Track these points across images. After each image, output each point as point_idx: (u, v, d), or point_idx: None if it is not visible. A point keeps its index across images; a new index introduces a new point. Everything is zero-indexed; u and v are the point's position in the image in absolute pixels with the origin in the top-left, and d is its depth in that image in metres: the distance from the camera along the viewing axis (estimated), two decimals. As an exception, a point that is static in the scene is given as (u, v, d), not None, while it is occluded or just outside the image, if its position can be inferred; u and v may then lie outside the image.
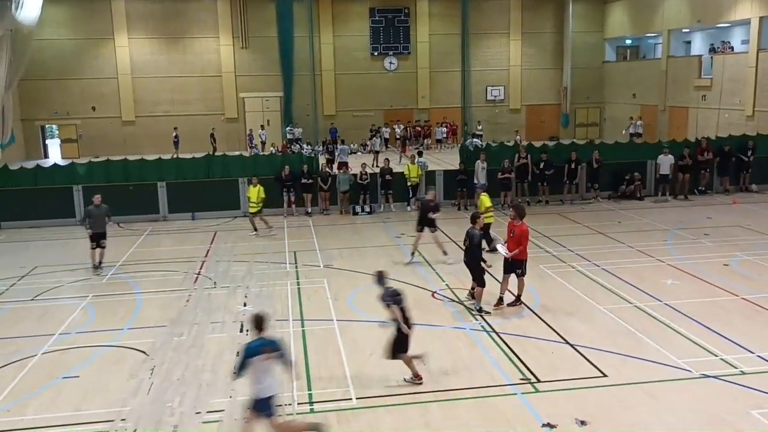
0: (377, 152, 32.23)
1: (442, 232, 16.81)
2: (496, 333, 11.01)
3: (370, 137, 38.06)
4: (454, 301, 12.72)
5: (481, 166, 21.45)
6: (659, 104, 36.56)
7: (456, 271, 14.43)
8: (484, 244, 12.93)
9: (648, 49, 41.44)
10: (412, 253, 15.61)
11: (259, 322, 7.29)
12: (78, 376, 9.77)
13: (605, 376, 9.37)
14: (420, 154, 25.20)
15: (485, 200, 15.87)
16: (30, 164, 24.75)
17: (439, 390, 9.04)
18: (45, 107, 38.46)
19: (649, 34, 39.30)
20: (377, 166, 27.77)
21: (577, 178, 22.39)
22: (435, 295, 13.14)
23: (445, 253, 15.34)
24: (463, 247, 12.32)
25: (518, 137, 35.05)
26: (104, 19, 38.27)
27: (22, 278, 14.96)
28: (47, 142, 40.92)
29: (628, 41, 42.42)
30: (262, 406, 7.22)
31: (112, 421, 8.36)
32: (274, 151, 34.55)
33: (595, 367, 9.61)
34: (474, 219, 12.13)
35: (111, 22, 38.34)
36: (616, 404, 8.57)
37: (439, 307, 12.49)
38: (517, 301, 12.21)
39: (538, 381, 9.24)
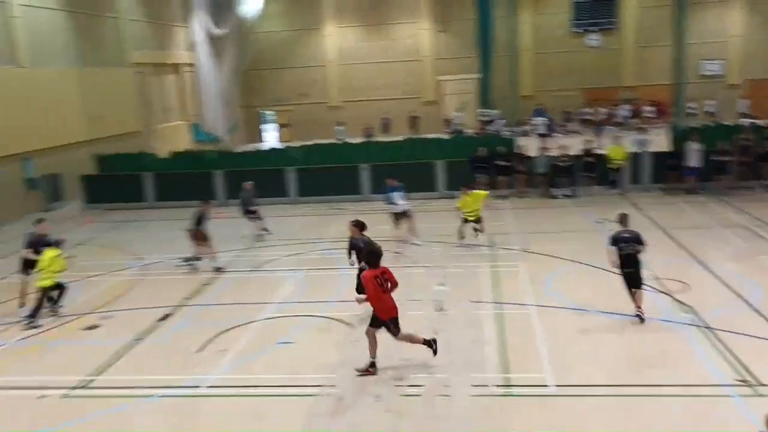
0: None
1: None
2: (709, 328, 10.21)
3: (565, 119, 36.77)
4: (662, 292, 11.98)
5: (693, 148, 19.84)
6: None
7: (664, 260, 13.59)
8: None
9: None
10: None
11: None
12: (293, 342, 10.68)
13: (842, 384, 8.33)
14: (640, 130, 24.12)
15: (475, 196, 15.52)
16: (251, 148, 27.31)
17: (643, 384, 8.63)
18: (262, 95, 42.03)
19: None
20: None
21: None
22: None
23: None
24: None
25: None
26: (315, 11, 40.83)
27: (245, 250, 16.61)
28: (264, 127, 44.69)
29: None
30: None
31: (322, 386, 9.06)
32: (470, 133, 34.78)
33: (830, 373, 8.57)
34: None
35: (321, 13, 40.81)
36: None
37: (644, 296, 11.82)
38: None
39: (759, 384, 8.45)
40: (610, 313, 11.06)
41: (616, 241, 10.54)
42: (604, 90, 39.30)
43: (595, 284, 12.58)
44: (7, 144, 21.65)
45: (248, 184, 18.13)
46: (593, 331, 10.42)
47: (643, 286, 10.69)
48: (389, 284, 9.16)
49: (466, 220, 15.59)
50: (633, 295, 10.61)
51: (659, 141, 25.87)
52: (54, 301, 12.36)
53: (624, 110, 36.57)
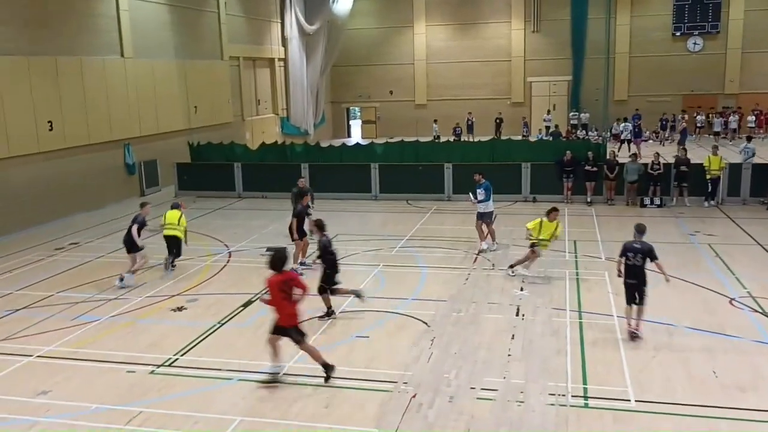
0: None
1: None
2: (809, 354, 9.60)
3: (660, 126, 35.41)
4: (757, 311, 11.35)
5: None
6: None
7: (762, 279, 12.86)
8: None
9: None
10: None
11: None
12: (368, 337, 10.76)
13: None
14: (749, 139, 23.01)
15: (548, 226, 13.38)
16: (336, 143, 27.71)
17: (731, 407, 8.20)
18: (350, 91, 42.61)
19: None
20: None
21: None
22: (733, 302, 11.87)
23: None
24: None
25: None
26: (406, 9, 41.01)
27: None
28: (350, 122, 45.34)
29: None
30: None
31: (396, 382, 9.08)
32: (541, 137, 34.37)
33: None
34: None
35: (411, 11, 40.94)
36: None
37: (738, 316, 11.26)
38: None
39: None
40: (700, 330, 10.59)
41: (625, 250, 10.28)
42: (703, 97, 37.63)
43: (685, 299, 12.06)
44: (111, 131, 22.85)
45: (300, 181, 17.66)
46: (680, 347, 9.98)
47: (645, 304, 10.28)
48: (300, 291, 8.98)
49: (534, 245, 13.43)
50: (630, 312, 10.30)
51: (762, 152, 24.59)
52: (172, 260, 14.53)
53: (731, 119, 34.85)
